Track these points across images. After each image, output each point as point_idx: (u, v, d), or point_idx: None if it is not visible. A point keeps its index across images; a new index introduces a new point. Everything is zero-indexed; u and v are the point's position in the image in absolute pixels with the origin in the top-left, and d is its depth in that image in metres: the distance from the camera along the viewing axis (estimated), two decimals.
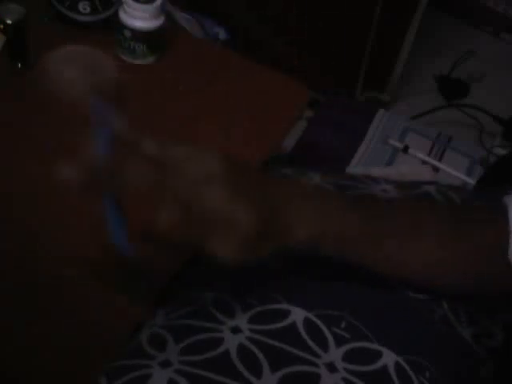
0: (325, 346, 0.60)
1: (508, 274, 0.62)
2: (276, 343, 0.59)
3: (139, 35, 1.01)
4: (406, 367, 0.60)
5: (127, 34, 1.01)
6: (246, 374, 0.57)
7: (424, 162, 1.35)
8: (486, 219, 0.63)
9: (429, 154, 1.37)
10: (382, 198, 0.72)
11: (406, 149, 1.35)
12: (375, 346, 0.61)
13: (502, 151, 1.58)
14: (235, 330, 0.60)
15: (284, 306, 0.62)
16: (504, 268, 0.61)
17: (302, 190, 0.58)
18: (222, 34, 1.52)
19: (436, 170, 1.35)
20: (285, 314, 0.62)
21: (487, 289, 0.66)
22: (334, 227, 0.57)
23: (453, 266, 0.63)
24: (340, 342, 0.61)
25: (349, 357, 0.60)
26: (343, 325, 0.62)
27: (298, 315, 0.62)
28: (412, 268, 0.62)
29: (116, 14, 1.02)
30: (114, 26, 1.03)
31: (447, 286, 0.65)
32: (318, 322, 0.61)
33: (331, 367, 0.59)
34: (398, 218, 0.62)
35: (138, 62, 1.05)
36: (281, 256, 0.56)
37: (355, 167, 1.32)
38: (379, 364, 0.60)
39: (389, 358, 0.60)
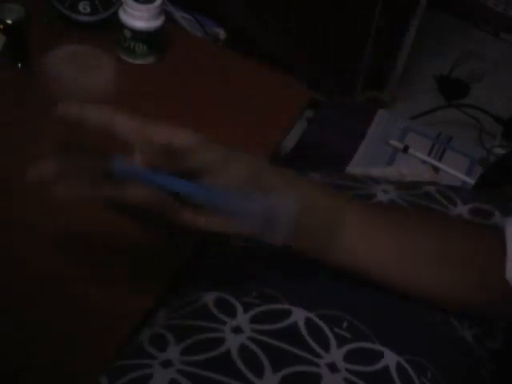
0: (326, 346, 0.60)
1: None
2: (277, 343, 0.59)
3: (139, 35, 1.01)
4: (408, 367, 0.60)
5: (127, 33, 1.01)
6: (248, 373, 0.57)
7: (424, 162, 1.35)
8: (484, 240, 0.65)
9: (429, 154, 1.37)
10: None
11: (406, 149, 1.35)
12: (376, 347, 0.61)
13: (501, 151, 1.58)
14: (236, 330, 0.60)
15: (285, 306, 0.62)
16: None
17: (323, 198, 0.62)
18: (222, 34, 1.52)
19: (436, 169, 1.34)
20: (286, 314, 0.62)
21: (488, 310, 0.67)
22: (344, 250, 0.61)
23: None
24: (341, 342, 0.60)
25: (350, 357, 0.60)
26: (344, 325, 0.62)
27: (299, 315, 0.61)
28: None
29: (116, 14, 1.02)
30: (114, 26, 1.03)
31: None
32: (320, 322, 0.61)
33: (332, 367, 0.59)
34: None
35: (138, 61, 1.04)
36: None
37: (355, 167, 1.31)
38: (381, 364, 0.60)
39: (390, 359, 0.60)
